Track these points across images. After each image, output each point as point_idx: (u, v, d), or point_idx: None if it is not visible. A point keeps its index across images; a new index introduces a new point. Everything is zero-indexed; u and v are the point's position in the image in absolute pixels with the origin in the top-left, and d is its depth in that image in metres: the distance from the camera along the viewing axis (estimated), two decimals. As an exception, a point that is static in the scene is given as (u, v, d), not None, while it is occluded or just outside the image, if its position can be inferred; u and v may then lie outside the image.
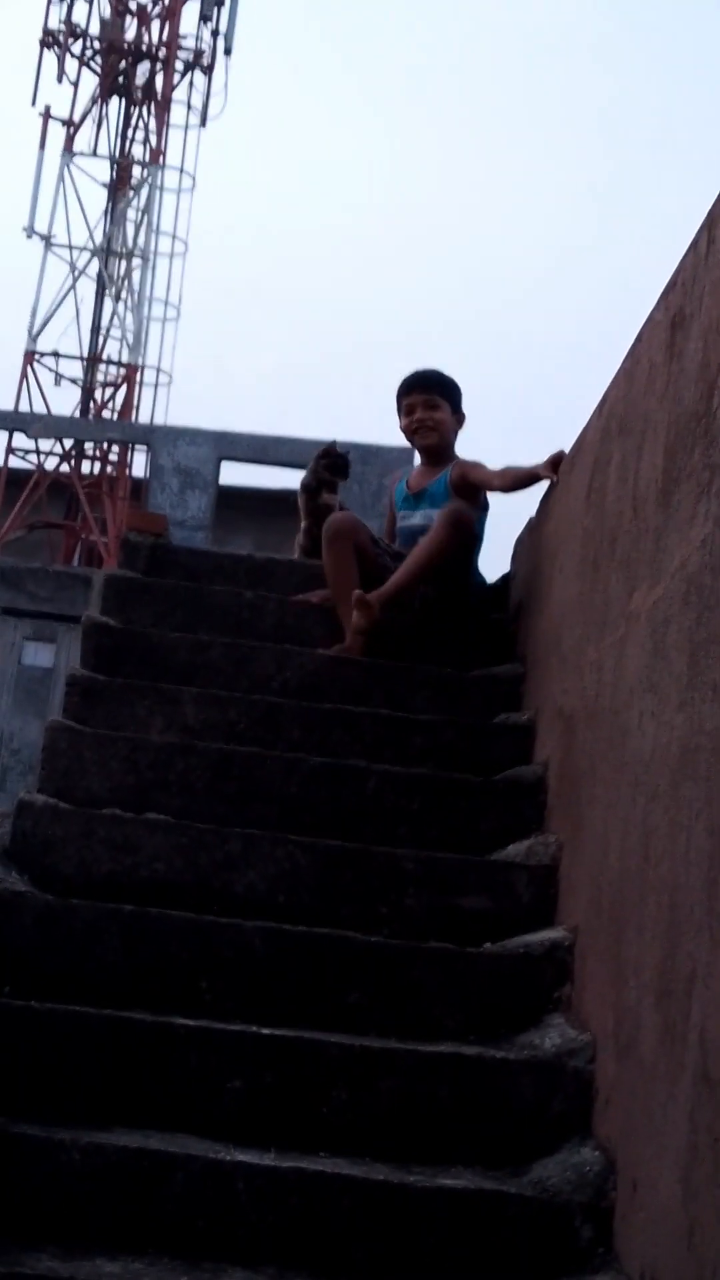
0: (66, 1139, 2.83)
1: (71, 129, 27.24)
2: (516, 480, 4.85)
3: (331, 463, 5.33)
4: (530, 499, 4.93)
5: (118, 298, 27.20)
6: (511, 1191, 2.82)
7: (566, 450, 4.32)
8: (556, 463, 4.45)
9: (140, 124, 27.81)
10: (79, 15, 27.15)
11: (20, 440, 22.91)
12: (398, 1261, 2.74)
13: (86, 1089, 3.04)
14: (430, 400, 5.15)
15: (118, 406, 26.47)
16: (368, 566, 4.89)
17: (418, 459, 5.34)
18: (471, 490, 5.04)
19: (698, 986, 2.34)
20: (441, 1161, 2.97)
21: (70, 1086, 3.04)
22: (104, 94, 27.54)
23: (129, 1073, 3.06)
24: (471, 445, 5.19)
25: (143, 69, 27.69)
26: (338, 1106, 3.04)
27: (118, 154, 27.63)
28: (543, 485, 4.66)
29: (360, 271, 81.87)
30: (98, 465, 25.08)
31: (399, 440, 5.58)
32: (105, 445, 24.61)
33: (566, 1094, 3.03)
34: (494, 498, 5.09)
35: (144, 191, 27.32)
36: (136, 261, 27.17)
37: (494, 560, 5.27)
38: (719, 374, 2.57)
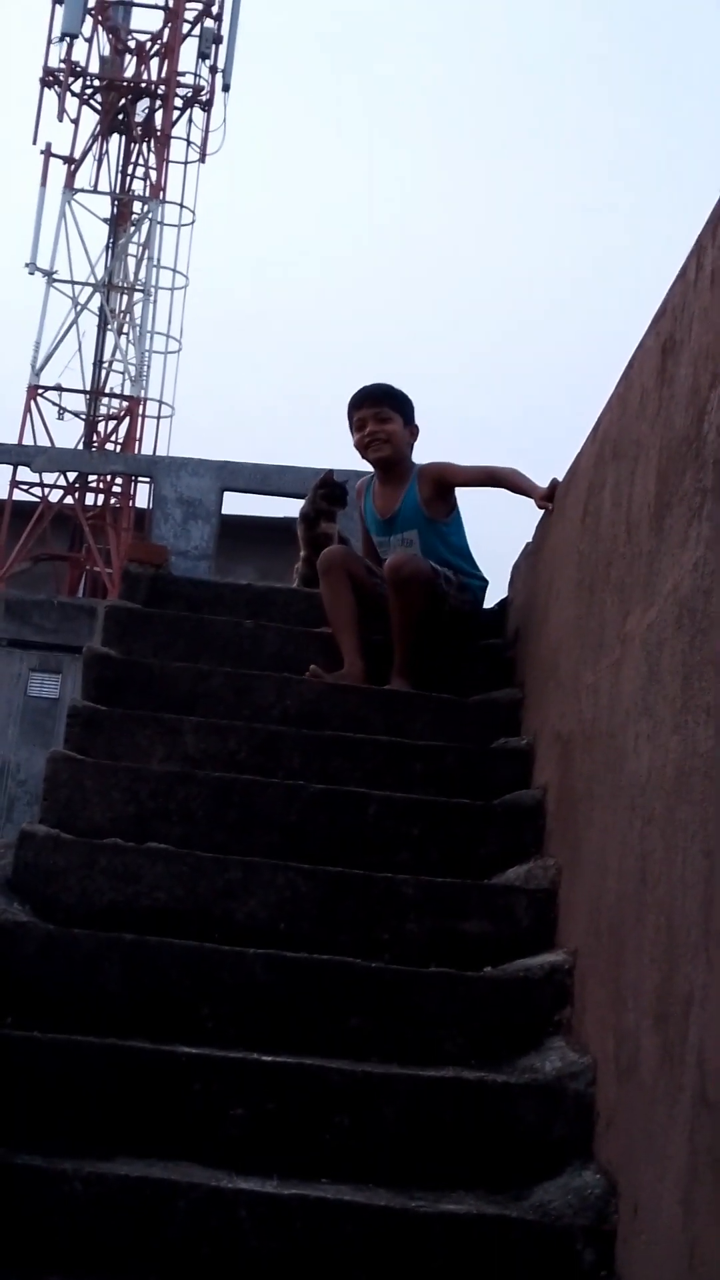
0: (69, 1169, 2.83)
1: (72, 166, 27.43)
2: (480, 477, 4.89)
3: (329, 492, 5.35)
4: (527, 525, 4.96)
5: (120, 331, 27.36)
6: (513, 1216, 2.83)
7: (561, 477, 4.34)
8: (552, 493, 4.47)
9: (140, 160, 28.03)
10: (79, 54, 27.41)
11: (24, 474, 22.99)
12: (400, 1287, 2.74)
13: (89, 1118, 3.05)
14: (380, 413, 5.11)
15: (120, 439, 26.58)
16: (364, 595, 4.92)
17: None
18: (447, 493, 5.05)
19: (695, 1008, 2.34)
20: (444, 1186, 2.97)
21: (72, 1116, 3.05)
22: (104, 131, 27.75)
23: (131, 1101, 3.06)
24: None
25: (142, 106, 27.92)
26: (340, 1133, 3.04)
27: (118, 190, 27.83)
28: (540, 512, 4.68)
29: (362, 303, 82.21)
30: (101, 497, 25.19)
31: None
32: (108, 477, 24.72)
33: (567, 1117, 3.03)
34: (491, 510, 5.10)
35: (144, 226, 27.51)
36: (138, 295, 27.34)
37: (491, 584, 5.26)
38: (709, 399, 2.59)
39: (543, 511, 4.61)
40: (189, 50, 27.87)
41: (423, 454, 5.22)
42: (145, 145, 27.92)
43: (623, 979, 2.87)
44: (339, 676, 4.71)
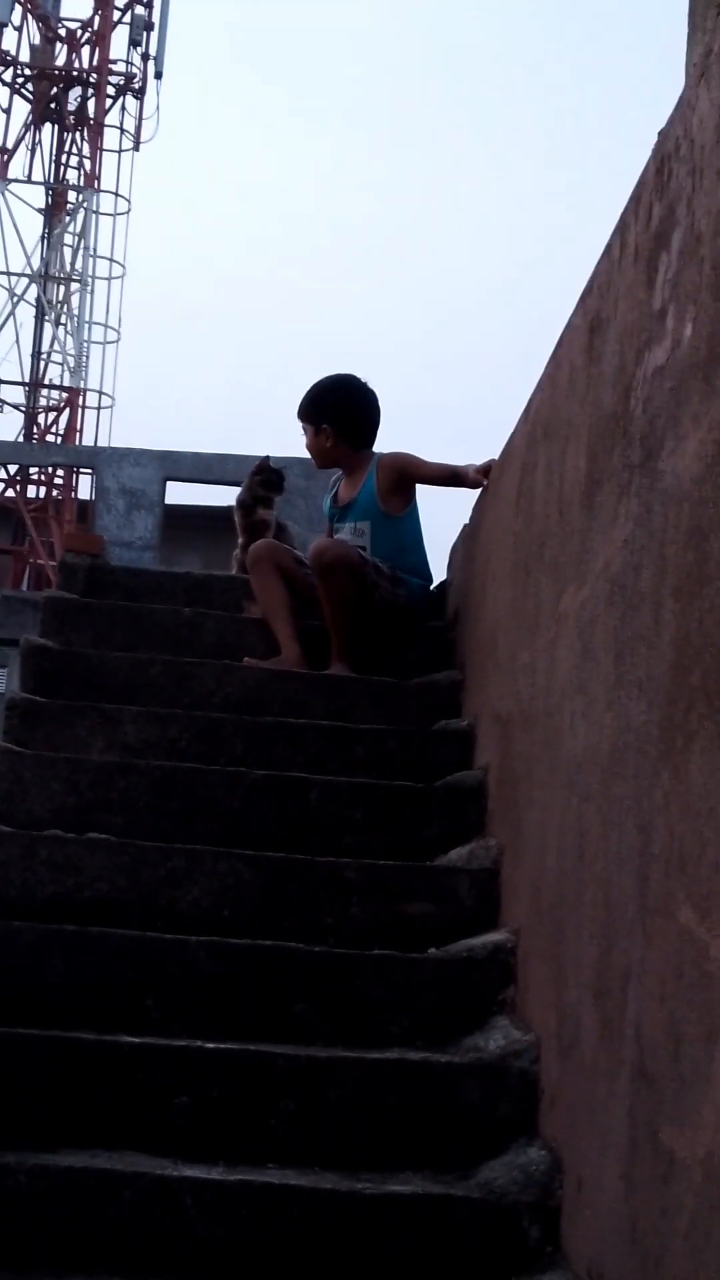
0: (12, 1162, 2.82)
1: (5, 156, 27.23)
2: (443, 475, 4.89)
3: (265, 479, 5.34)
4: (464, 506, 4.96)
5: (57, 322, 27.21)
6: (459, 1195, 2.83)
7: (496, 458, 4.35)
8: (487, 470, 4.48)
9: (74, 149, 27.86)
10: (9, 42, 27.19)
11: (-36, 468, 22.84)
12: (348, 1269, 2.74)
13: (32, 1111, 3.03)
14: (304, 429, 5.20)
15: (61, 430, 26.44)
16: (295, 585, 4.94)
17: None
18: (406, 487, 5.06)
19: (632, 982, 2.35)
20: (391, 1168, 2.97)
21: (16, 1109, 3.03)
22: (37, 120, 27.55)
23: (75, 1093, 3.04)
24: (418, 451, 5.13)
25: (74, 94, 27.75)
26: (286, 1118, 3.04)
27: (52, 179, 27.64)
28: (477, 492, 4.69)
29: (300, 288, 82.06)
30: (43, 490, 25.05)
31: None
32: (50, 469, 24.58)
33: (512, 1095, 3.04)
34: (433, 493, 5.10)
35: (80, 216, 27.36)
36: (75, 286, 27.18)
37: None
38: (635, 375, 2.60)
39: (479, 492, 4.62)
40: (120, 37, 27.74)
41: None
42: (79, 134, 27.75)
43: (564, 956, 2.89)
44: (277, 662, 4.71)
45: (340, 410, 5.14)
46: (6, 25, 26.66)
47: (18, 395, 26.65)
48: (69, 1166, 2.82)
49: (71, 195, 27.64)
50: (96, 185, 27.28)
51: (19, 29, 27.32)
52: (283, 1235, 2.76)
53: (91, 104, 27.59)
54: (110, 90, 27.66)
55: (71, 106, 27.64)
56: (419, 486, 5.07)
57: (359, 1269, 2.74)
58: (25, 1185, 2.78)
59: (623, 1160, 2.34)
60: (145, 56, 27.57)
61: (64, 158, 27.84)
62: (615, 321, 2.79)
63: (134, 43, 27.53)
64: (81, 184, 27.60)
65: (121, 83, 27.77)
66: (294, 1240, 2.76)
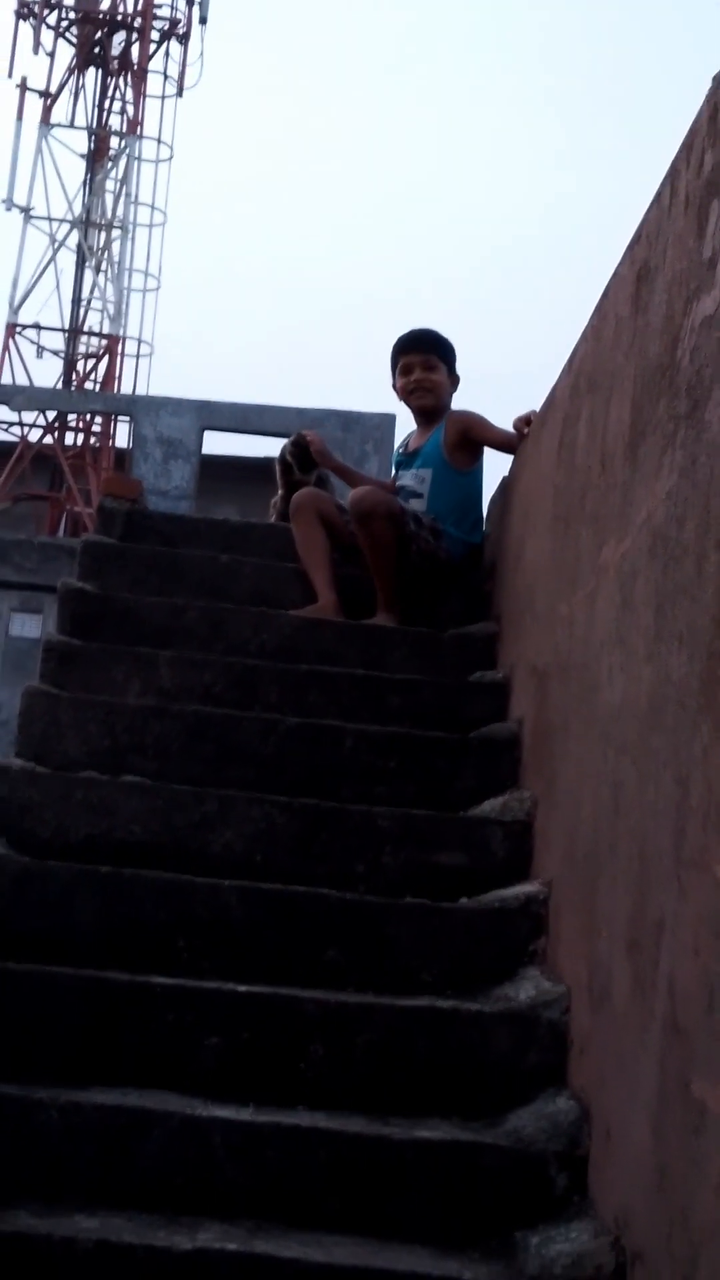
0: (45, 1098, 2.84)
1: (48, 100, 27.09)
2: (504, 442, 4.87)
3: (301, 452, 5.33)
4: (505, 460, 4.94)
5: (98, 269, 27.12)
6: (487, 1141, 2.85)
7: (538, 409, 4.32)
8: (528, 421, 4.46)
9: (117, 94, 27.69)
10: (53, -15, 26.97)
11: (3, 413, 22.85)
12: (374, 1212, 2.76)
13: (65, 1048, 3.06)
14: (428, 361, 5.14)
15: (100, 378, 26.40)
16: (337, 534, 4.95)
17: (411, 419, 5.31)
18: (472, 446, 5.04)
19: (666, 935, 2.35)
20: (418, 1114, 2.99)
21: (48, 1046, 3.06)
22: (80, 65, 27.39)
23: (107, 1032, 3.07)
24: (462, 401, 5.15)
25: (118, 39, 27.55)
26: (315, 1061, 3.06)
27: (95, 125, 27.50)
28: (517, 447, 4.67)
29: (341, 237, 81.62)
30: (81, 437, 25.05)
31: (379, 407, 5.58)
32: (88, 417, 24.57)
33: (541, 1045, 3.05)
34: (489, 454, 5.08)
35: (122, 162, 27.23)
36: (116, 232, 27.07)
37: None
38: (683, 325, 2.57)
39: (519, 446, 4.60)
40: (165, -19, 27.52)
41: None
42: (122, 79, 27.59)
43: (596, 908, 2.88)
44: (314, 610, 4.70)
45: (453, 359, 5.20)
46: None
47: (57, 342, 26.63)
48: (100, 1104, 2.85)
49: (114, 141, 27.49)
50: (139, 131, 27.14)
51: (64, -28, 27.15)
52: (310, 1177, 2.78)
53: (136, 49, 27.40)
54: (155, 35, 27.47)
55: (115, 51, 27.47)
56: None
57: (385, 1211, 2.76)
58: (57, 1121, 2.81)
59: (652, 1111, 2.34)
60: (190, 1, 27.36)
61: (107, 103, 27.68)
62: (663, 270, 2.76)
63: (179, -13, 27.33)
64: (124, 130, 27.46)
65: (166, 27, 27.57)
66: (321, 1182, 2.78)
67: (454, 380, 5.20)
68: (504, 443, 4.90)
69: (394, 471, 5.32)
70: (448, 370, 5.17)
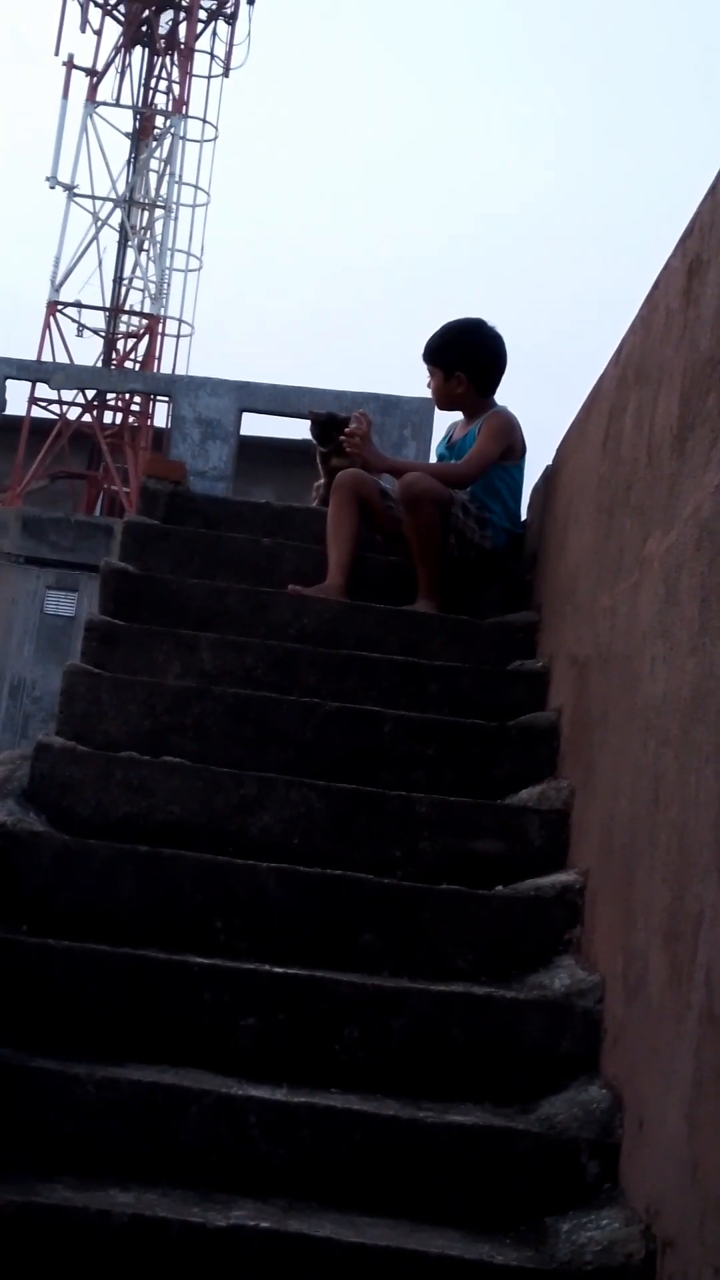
0: (82, 1073, 2.88)
1: (95, 78, 27.13)
2: (393, 468, 5.04)
3: (323, 431, 5.31)
4: (547, 450, 4.94)
5: (140, 248, 27.16)
6: (519, 1128, 2.87)
7: (583, 399, 4.32)
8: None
9: (163, 74, 27.71)
10: (102, -37, 26.99)
11: (43, 390, 22.92)
12: (406, 1194, 2.78)
13: (102, 1025, 3.09)
14: (430, 370, 5.17)
15: (139, 357, 26.46)
16: (376, 518, 4.97)
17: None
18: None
19: (704, 927, 2.36)
20: (451, 1098, 3.01)
21: (86, 1022, 3.09)
22: (127, 43, 27.41)
23: (144, 1009, 3.10)
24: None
25: (166, 18, 27.57)
26: (350, 1044, 3.08)
27: (140, 104, 27.51)
28: (559, 435, 4.67)
29: (385, 219, 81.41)
30: (119, 416, 25.10)
31: (419, 391, 5.59)
32: (127, 396, 24.62)
33: (575, 1033, 3.06)
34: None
35: (166, 141, 27.24)
36: (159, 212, 27.11)
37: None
38: (734, 319, 2.57)
39: (562, 435, 4.60)
40: (213, -39, 27.51)
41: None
42: (168, 58, 27.61)
43: (633, 899, 2.89)
44: (316, 589, 4.69)
45: (473, 357, 5.11)
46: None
47: (98, 320, 26.70)
48: (136, 1080, 2.87)
49: (159, 120, 27.52)
50: (184, 111, 27.16)
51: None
52: (343, 1158, 2.81)
53: (183, 28, 27.42)
54: (202, 15, 27.48)
55: (162, 30, 27.48)
56: (525, 436, 5.11)
57: (417, 1194, 2.78)
58: (93, 1096, 2.84)
59: (687, 1102, 2.36)
60: (238, -19, 27.36)
61: (153, 82, 27.71)
62: (715, 264, 2.76)
63: (227, -33, 27.32)
64: (169, 109, 27.48)
65: (214, 7, 27.57)
66: (354, 1164, 2.80)
67: (468, 375, 5.10)
68: (392, 468, 5.03)
69: (435, 461, 5.33)
70: (443, 375, 5.11)
